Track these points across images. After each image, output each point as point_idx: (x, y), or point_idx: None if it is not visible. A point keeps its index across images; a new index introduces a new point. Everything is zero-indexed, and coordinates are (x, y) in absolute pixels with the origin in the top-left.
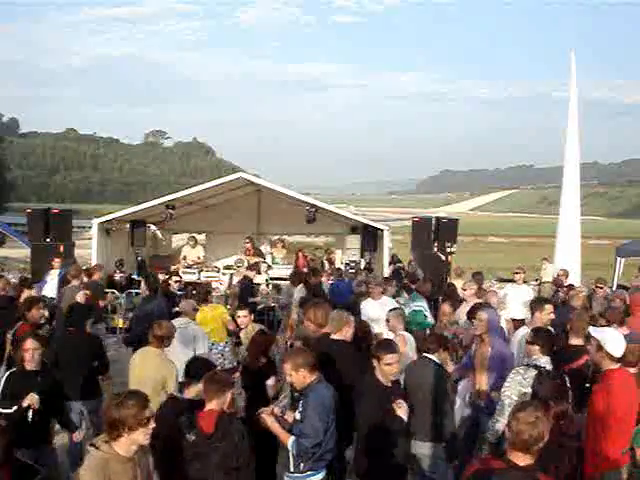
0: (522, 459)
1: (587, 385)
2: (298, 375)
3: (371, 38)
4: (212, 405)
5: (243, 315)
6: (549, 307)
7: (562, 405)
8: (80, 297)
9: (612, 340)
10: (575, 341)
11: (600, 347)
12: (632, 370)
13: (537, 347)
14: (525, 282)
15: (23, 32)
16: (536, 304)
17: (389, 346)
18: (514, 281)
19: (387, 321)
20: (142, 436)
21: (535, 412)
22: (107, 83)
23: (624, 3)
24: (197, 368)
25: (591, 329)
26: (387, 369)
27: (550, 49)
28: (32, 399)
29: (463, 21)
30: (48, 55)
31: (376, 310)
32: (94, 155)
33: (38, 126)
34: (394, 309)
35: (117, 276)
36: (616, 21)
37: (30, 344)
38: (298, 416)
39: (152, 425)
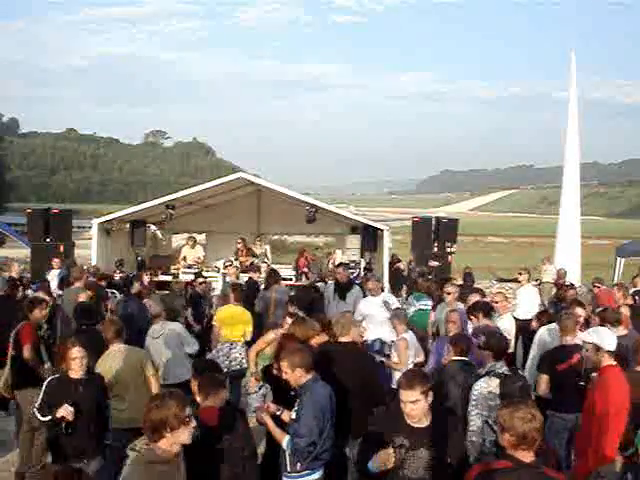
0: (527, 456)
1: (581, 384)
2: (294, 374)
3: (371, 38)
4: (209, 402)
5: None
6: (578, 309)
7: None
8: (82, 298)
9: (607, 337)
10: (567, 340)
11: (598, 348)
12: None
13: (489, 353)
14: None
15: (23, 32)
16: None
17: (408, 379)
18: (518, 281)
19: (392, 323)
20: (185, 435)
21: (528, 408)
22: (107, 83)
23: (624, 3)
24: (203, 367)
25: (583, 334)
26: (405, 408)
27: (550, 49)
28: (66, 411)
29: (463, 21)
30: (48, 55)
31: (374, 307)
32: (94, 155)
33: (38, 126)
34: (396, 309)
35: (117, 276)
36: (616, 21)
37: (76, 352)
38: (294, 415)
39: (194, 424)
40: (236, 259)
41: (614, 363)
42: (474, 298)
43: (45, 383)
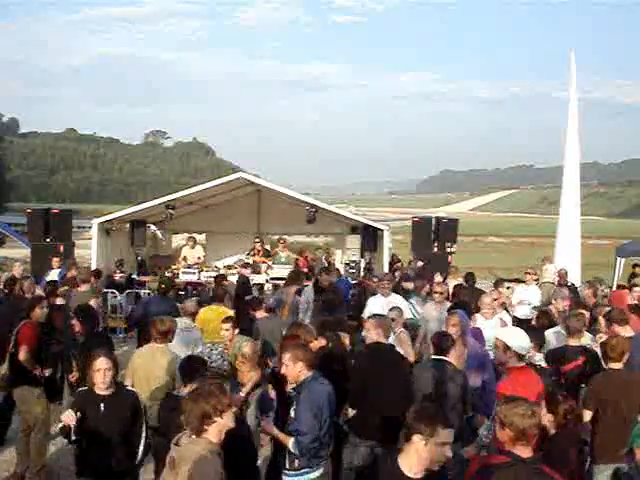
0: (525, 452)
1: (582, 386)
2: (295, 367)
3: (371, 38)
4: None
5: (225, 328)
6: (580, 310)
7: (569, 401)
8: (93, 302)
9: (518, 340)
10: (573, 342)
11: (507, 347)
12: (616, 365)
13: (532, 344)
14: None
15: (23, 31)
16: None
17: (442, 416)
18: (523, 281)
19: (393, 320)
20: (230, 419)
21: (528, 404)
22: (107, 83)
23: (624, 3)
24: (193, 367)
25: (497, 332)
26: (438, 452)
27: (550, 49)
28: (68, 417)
29: (463, 21)
30: (48, 55)
31: (380, 307)
32: (94, 155)
33: (38, 126)
34: (393, 308)
35: (117, 276)
36: (616, 21)
37: (102, 364)
38: (293, 414)
39: (234, 408)
40: (248, 256)
41: (521, 365)
42: (486, 299)
43: (75, 395)
